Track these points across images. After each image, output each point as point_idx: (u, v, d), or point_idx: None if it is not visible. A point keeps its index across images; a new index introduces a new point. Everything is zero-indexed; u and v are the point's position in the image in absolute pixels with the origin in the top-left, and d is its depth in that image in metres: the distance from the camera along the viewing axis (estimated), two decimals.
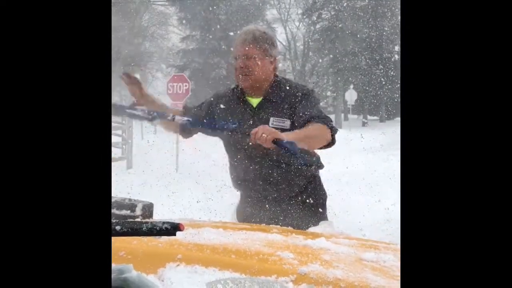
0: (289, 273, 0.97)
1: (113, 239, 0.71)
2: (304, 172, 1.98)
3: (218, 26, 22.42)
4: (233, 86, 2.09)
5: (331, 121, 1.87)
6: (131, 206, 1.34)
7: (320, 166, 2.07)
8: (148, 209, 1.35)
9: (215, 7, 21.92)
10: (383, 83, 22.75)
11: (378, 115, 27.59)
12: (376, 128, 20.15)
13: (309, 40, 27.38)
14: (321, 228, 1.57)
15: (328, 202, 2.08)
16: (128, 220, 1.06)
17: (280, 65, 2.15)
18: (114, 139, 9.97)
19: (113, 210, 1.30)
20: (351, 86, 22.51)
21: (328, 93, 28.47)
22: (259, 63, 1.93)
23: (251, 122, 1.92)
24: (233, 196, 2.21)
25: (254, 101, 1.99)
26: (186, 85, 9.74)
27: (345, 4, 24.17)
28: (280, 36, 26.46)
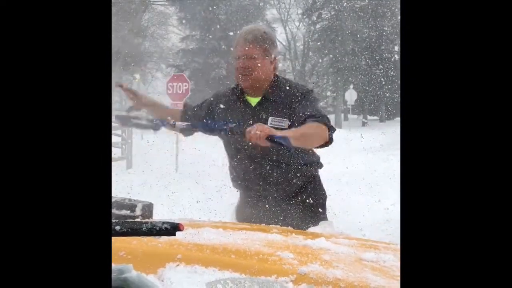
0: (289, 273, 0.97)
1: (113, 239, 0.71)
2: (304, 172, 1.98)
3: (218, 26, 22.42)
4: (233, 85, 2.09)
5: (329, 120, 1.86)
6: (131, 206, 1.34)
7: (320, 165, 2.07)
8: (148, 209, 1.35)
9: (215, 7, 21.92)
10: (383, 83, 22.77)
11: (378, 115, 27.61)
12: (376, 128, 20.16)
13: (309, 40, 27.39)
14: (321, 228, 1.57)
15: (328, 202, 2.08)
16: (128, 220, 1.06)
17: (280, 65, 2.15)
18: (114, 139, 9.97)
19: (113, 210, 1.30)
20: (351, 86, 22.52)
21: (328, 93, 28.48)
22: (260, 63, 1.93)
23: (250, 121, 1.91)
24: (233, 196, 2.21)
25: (254, 101, 1.99)
26: (186, 85, 9.73)
27: (345, 4, 24.18)
28: (280, 36, 26.48)
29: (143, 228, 0.70)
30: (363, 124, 24.63)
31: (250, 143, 1.73)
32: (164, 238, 1.11)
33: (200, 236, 1.18)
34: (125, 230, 0.71)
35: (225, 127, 1.74)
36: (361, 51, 24.20)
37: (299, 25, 28.28)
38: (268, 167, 1.93)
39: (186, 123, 1.78)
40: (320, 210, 2.01)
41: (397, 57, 23.06)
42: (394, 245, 1.35)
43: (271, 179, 1.93)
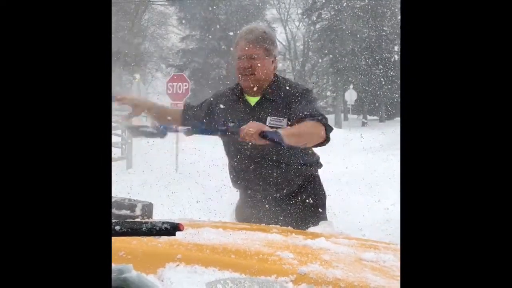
0: (288, 273, 0.97)
1: (113, 239, 0.71)
2: (303, 172, 1.98)
3: (218, 26, 22.42)
4: (233, 85, 2.09)
5: (326, 119, 1.85)
6: (131, 206, 1.34)
7: (319, 165, 2.07)
8: (147, 209, 1.36)
9: (214, 7, 21.92)
10: (383, 83, 22.78)
11: (377, 115, 27.62)
12: (375, 128, 20.17)
13: (309, 40, 27.40)
14: (321, 228, 1.57)
15: (327, 202, 2.08)
16: (128, 220, 1.06)
17: (280, 65, 2.15)
18: (114, 139, 9.97)
19: (113, 210, 1.31)
20: (351, 86, 22.53)
21: (328, 93, 28.51)
22: (260, 63, 1.93)
23: (250, 121, 1.91)
24: (233, 196, 2.21)
25: (253, 100, 1.99)
26: (185, 85, 9.73)
27: (344, 4, 24.18)
28: (280, 36, 26.50)
29: (143, 228, 0.70)
30: (363, 124, 24.64)
31: (250, 143, 1.73)
32: (164, 238, 1.11)
33: (200, 236, 1.18)
34: (125, 230, 0.71)
35: (224, 127, 1.74)
36: (361, 51, 24.21)
37: (299, 25, 28.31)
38: (268, 167, 1.93)
39: (186, 128, 1.79)
40: (320, 210, 2.01)
41: (396, 57, 23.08)
42: (394, 245, 1.35)
43: (271, 179, 1.93)
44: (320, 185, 2.07)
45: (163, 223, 0.70)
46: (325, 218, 1.98)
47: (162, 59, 26.30)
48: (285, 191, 1.96)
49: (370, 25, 24.14)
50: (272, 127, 1.71)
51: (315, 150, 2.06)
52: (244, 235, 1.26)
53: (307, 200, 1.98)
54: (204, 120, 2.07)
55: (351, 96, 21.83)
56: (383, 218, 4.39)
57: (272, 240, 1.24)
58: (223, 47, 22.64)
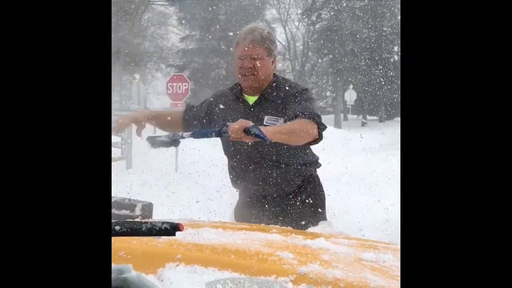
0: (288, 273, 0.97)
1: (113, 239, 0.71)
2: (303, 172, 1.98)
3: (218, 26, 22.43)
4: (232, 85, 2.10)
5: (319, 117, 1.83)
6: (131, 206, 1.34)
7: (318, 165, 2.07)
8: (147, 209, 1.36)
9: (214, 7, 21.93)
10: (383, 83, 22.78)
11: (377, 115, 27.63)
12: (375, 128, 20.18)
13: (309, 40, 27.40)
14: (321, 228, 1.57)
15: (327, 202, 2.08)
16: (128, 220, 1.06)
17: (279, 65, 2.16)
18: (114, 139, 9.95)
19: (113, 210, 1.31)
20: (351, 86, 22.54)
21: (328, 93, 28.52)
22: (262, 63, 1.93)
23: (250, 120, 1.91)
24: (233, 196, 2.21)
25: (251, 100, 1.99)
26: (185, 85, 9.74)
27: (344, 4, 24.19)
28: (280, 36, 26.50)
29: (143, 228, 0.71)
30: (363, 124, 24.64)
31: (250, 143, 1.73)
32: (164, 238, 1.11)
33: (200, 236, 1.18)
34: (125, 230, 0.71)
35: (223, 128, 1.74)
36: (360, 51, 24.22)
37: (298, 25, 28.31)
38: (267, 167, 1.93)
39: (190, 133, 1.80)
40: (320, 210, 2.01)
41: (396, 57, 23.09)
42: (393, 245, 1.35)
43: (270, 179, 1.93)
44: (319, 185, 2.07)
45: (163, 223, 0.70)
46: (324, 218, 1.98)
47: (162, 59, 26.30)
48: (284, 191, 1.96)
49: (369, 26, 24.14)
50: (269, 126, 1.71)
51: (315, 151, 2.06)
52: (244, 235, 1.26)
53: (307, 200, 1.98)
54: (204, 120, 2.07)
55: (350, 96, 21.84)
56: (382, 218, 4.39)
57: (272, 240, 1.24)
58: (223, 47, 22.65)
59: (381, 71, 23.57)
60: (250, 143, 1.75)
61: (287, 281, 0.94)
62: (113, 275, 0.71)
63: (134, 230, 0.71)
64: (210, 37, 22.43)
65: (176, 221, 0.71)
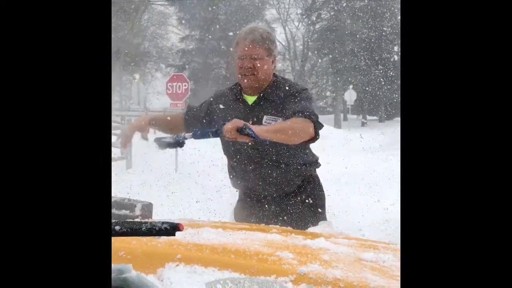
0: (288, 273, 0.97)
1: (113, 239, 0.72)
2: (302, 171, 1.98)
3: (218, 26, 22.44)
4: (232, 85, 2.10)
5: (316, 116, 1.83)
6: (131, 206, 1.34)
7: (318, 165, 2.07)
8: (147, 209, 1.36)
9: (214, 7, 21.94)
10: (382, 83, 22.79)
11: (377, 115, 27.64)
12: (375, 128, 20.18)
13: (309, 40, 27.41)
14: (320, 228, 1.57)
15: (327, 202, 2.08)
16: (128, 220, 1.06)
17: (279, 65, 2.16)
18: (114, 139, 9.96)
19: (113, 210, 1.31)
20: (351, 86, 22.55)
21: (328, 93, 28.53)
22: (262, 63, 1.93)
23: (249, 120, 1.91)
24: (233, 196, 2.21)
25: (251, 99, 1.99)
26: (185, 85, 9.74)
27: (344, 5, 24.20)
28: (280, 36, 26.50)
29: (143, 228, 0.71)
30: (363, 124, 24.65)
31: (250, 143, 1.73)
32: (164, 238, 1.11)
33: (200, 236, 1.18)
34: (125, 230, 0.71)
35: (219, 128, 1.75)
36: (360, 51, 24.23)
37: (298, 25, 28.32)
38: (267, 167, 1.93)
39: (191, 134, 1.80)
40: (320, 210, 2.01)
41: (396, 57, 23.09)
42: (393, 245, 1.35)
43: (270, 179, 1.94)
44: (319, 185, 2.07)
45: (163, 223, 0.70)
46: (324, 218, 1.98)
47: (162, 59, 26.32)
48: (284, 191, 1.97)
49: (369, 26, 24.15)
50: None
51: (315, 151, 2.06)
52: (244, 235, 1.26)
53: (307, 200, 1.98)
54: (204, 121, 2.07)
55: (350, 96, 21.85)
56: (382, 218, 4.39)
57: (272, 240, 1.24)
58: (222, 47, 22.66)
59: (381, 71, 23.59)
60: (250, 143, 1.75)
61: (287, 281, 0.94)
62: (113, 275, 0.71)
63: (134, 230, 0.71)
64: (210, 37, 22.44)
65: (176, 221, 0.71)
